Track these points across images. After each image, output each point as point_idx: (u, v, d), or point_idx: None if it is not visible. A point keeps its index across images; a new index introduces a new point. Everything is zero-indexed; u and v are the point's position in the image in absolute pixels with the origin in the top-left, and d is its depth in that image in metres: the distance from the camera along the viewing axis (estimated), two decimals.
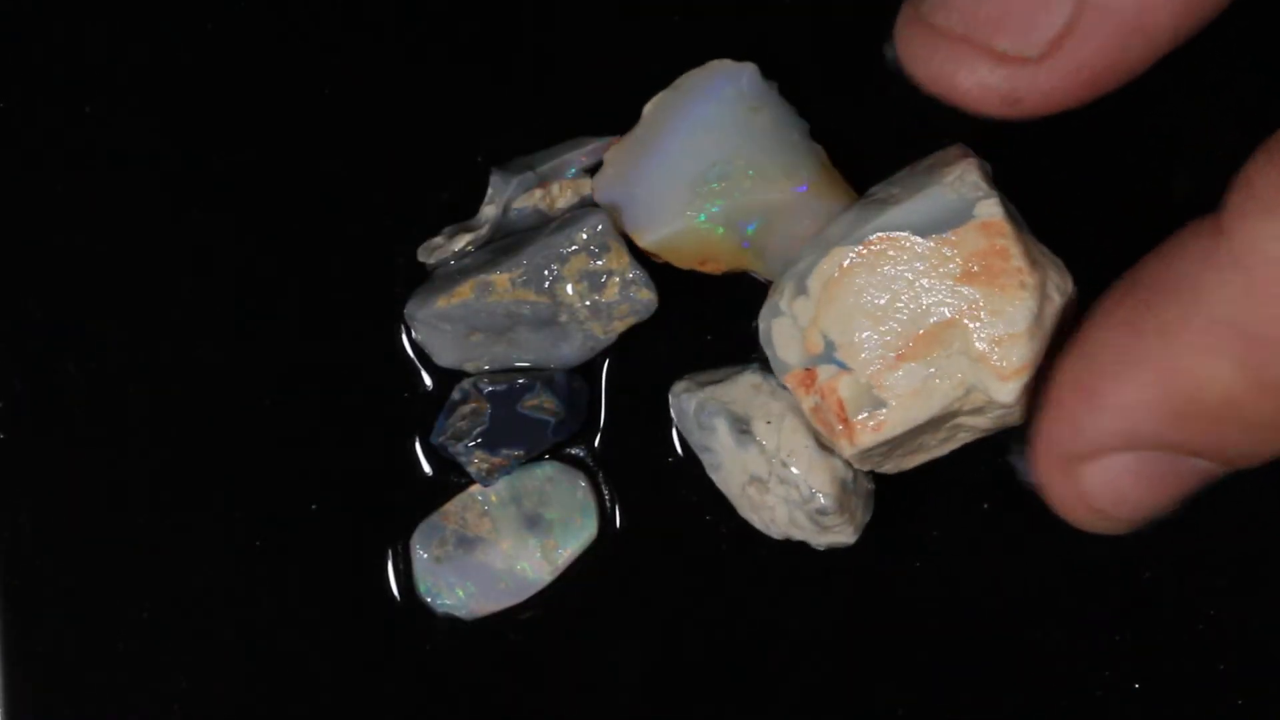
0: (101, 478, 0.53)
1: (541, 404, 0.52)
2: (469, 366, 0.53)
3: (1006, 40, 0.45)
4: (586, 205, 0.53)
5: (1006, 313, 0.48)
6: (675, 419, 0.53)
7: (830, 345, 0.49)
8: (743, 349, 0.53)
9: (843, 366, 0.49)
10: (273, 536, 0.53)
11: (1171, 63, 0.54)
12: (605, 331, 0.53)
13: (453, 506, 0.53)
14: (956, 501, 0.53)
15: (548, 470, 0.53)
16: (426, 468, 0.53)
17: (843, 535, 0.51)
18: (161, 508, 0.53)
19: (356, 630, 0.53)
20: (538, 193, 0.53)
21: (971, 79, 0.45)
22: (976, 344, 0.48)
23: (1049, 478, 0.46)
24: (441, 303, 0.52)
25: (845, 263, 0.49)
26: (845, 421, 0.49)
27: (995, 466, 0.53)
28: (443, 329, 0.52)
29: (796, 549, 0.52)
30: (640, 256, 0.52)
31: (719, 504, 0.53)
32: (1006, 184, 0.50)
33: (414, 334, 0.53)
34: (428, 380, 0.53)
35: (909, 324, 0.49)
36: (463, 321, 0.52)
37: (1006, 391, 0.48)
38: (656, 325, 0.53)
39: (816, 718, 0.53)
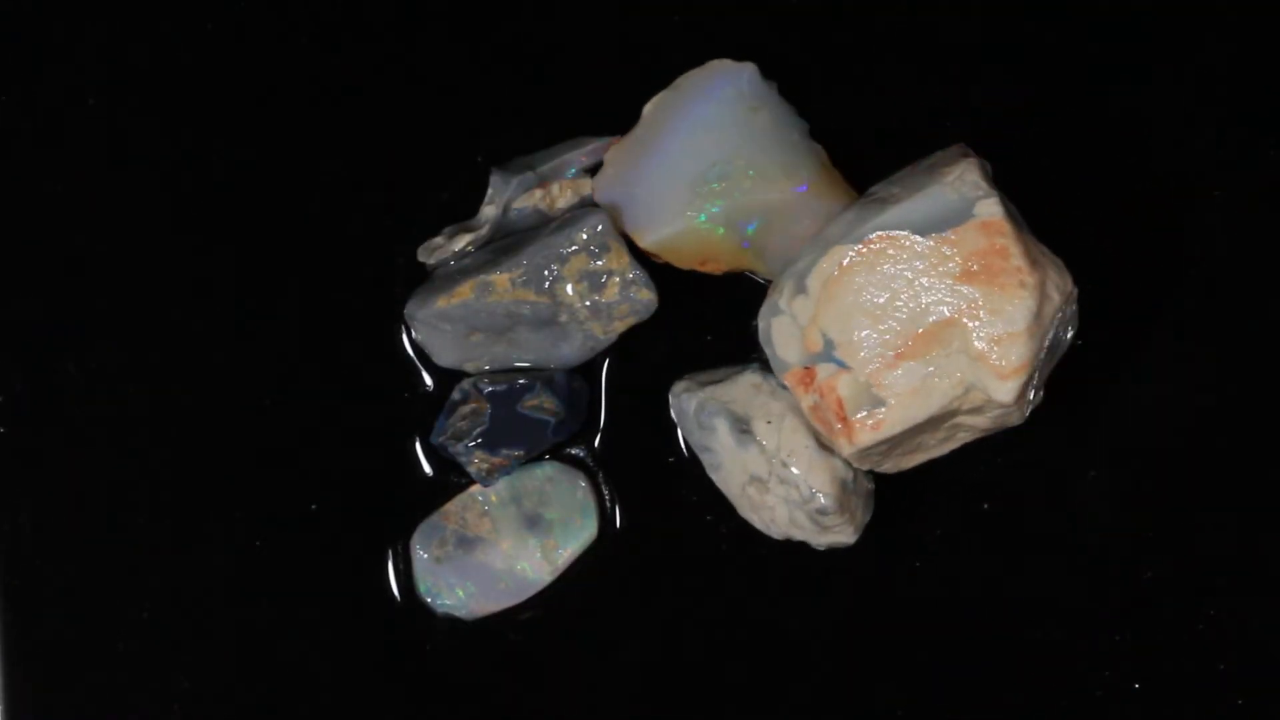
0: (101, 478, 0.53)
1: (541, 404, 0.52)
2: (469, 366, 0.53)
3: None
4: (586, 205, 0.53)
5: (1006, 312, 0.48)
6: (675, 419, 0.53)
7: (829, 344, 0.49)
8: (743, 349, 0.53)
9: (842, 365, 0.49)
10: (273, 536, 0.53)
11: (1171, 63, 0.54)
12: (605, 331, 0.53)
13: (453, 506, 0.53)
14: (956, 501, 0.53)
15: (548, 470, 0.53)
16: (426, 468, 0.53)
17: (843, 535, 0.51)
18: (161, 507, 0.53)
19: (356, 630, 0.53)
20: (538, 193, 0.53)
21: None
22: (976, 343, 0.48)
23: None
24: (441, 303, 0.52)
25: (845, 261, 0.49)
26: (844, 420, 0.49)
27: (995, 466, 0.53)
28: (443, 329, 0.52)
29: (796, 549, 0.52)
30: (640, 256, 0.52)
31: (719, 504, 0.53)
32: (1006, 184, 0.50)
33: (414, 334, 0.53)
34: (428, 380, 0.53)
35: (908, 323, 0.49)
36: (463, 321, 0.52)
37: (1006, 390, 0.48)
38: (656, 325, 0.53)
39: (816, 718, 0.53)
